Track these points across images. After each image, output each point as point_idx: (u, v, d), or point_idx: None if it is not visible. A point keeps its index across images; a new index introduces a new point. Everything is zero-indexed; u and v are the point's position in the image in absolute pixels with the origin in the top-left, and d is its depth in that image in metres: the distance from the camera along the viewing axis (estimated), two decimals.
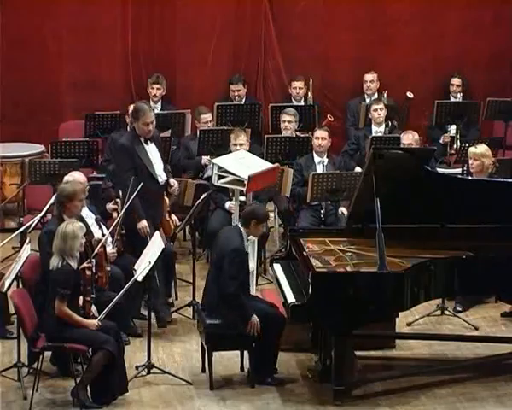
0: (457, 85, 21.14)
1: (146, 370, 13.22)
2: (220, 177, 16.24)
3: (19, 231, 15.06)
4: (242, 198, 16.43)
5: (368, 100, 20.42)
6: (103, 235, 14.43)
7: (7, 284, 13.19)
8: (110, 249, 14.50)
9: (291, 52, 21.73)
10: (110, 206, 15.78)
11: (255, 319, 13.04)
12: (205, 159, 19.07)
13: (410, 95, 20.66)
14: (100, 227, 14.67)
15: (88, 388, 12.40)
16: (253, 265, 14.55)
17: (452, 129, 19.61)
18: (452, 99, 20.30)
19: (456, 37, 23.20)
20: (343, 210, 16.67)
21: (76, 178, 15.23)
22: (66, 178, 15.34)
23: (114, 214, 15.46)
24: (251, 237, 13.92)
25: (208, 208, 17.15)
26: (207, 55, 21.96)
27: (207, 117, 19.88)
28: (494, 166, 16.43)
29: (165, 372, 13.29)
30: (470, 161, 16.54)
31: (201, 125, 19.62)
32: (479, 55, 23.10)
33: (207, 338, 13.14)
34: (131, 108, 18.13)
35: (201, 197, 16.07)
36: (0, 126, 19.57)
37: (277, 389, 13.12)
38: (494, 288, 14.18)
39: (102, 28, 23.28)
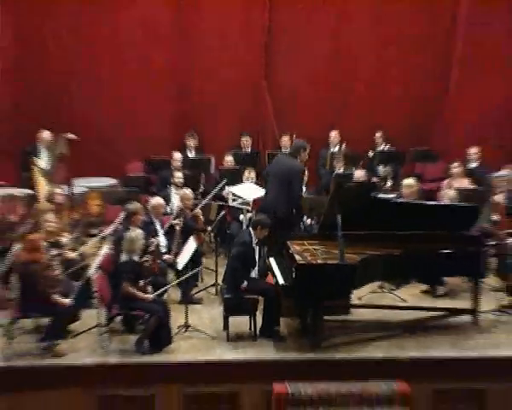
0: (380, 137, 20.15)
1: (184, 329, 13.32)
2: (234, 199, 16.61)
3: (100, 236, 14.84)
4: (250, 214, 16.46)
5: (332, 149, 19.70)
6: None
7: (91, 271, 13.23)
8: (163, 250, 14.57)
9: (281, 116, 20.44)
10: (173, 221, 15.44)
11: (244, 285, 13.40)
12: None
13: (370, 154, 19.94)
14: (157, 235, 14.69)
15: (146, 341, 12.69)
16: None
17: (383, 170, 19.34)
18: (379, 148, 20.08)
19: (394, 106, 21.38)
20: (308, 221, 16.41)
21: (155, 201, 15.43)
22: (152, 201, 15.49)
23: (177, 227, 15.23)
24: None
25: (226, 221, 16.73)
26: (225, 119, 20.89)
27: (229, 159, 19.15)
28: (417, 193, 16.35)
29: (197, 330, 13.40)
30: (403, 190, 16.45)
31: (225, 165, 19.09)
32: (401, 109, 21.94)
33: (225, 307, 13.40)
34: (176, 155, 18.55)
35: (220, 214, 16.03)
36: (88, 164, 19.01)
37: (272, 341, 13.22)
38: (415, 274, 14.74)
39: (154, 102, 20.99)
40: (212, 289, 15.19)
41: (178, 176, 17.37)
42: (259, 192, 16.53)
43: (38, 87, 20.32)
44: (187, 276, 14.08)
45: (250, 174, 17.97)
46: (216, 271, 15.21)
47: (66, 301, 12.61)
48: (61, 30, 21.00)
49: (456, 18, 21.33)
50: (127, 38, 20.90)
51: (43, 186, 16.95)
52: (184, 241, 14.46)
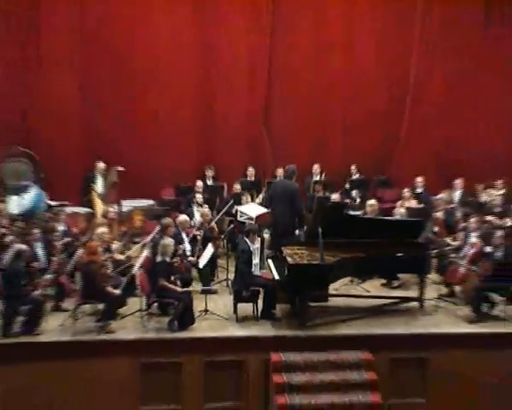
0: (355, 168, 19.56)
1: (204, 312, 13.43)
2: (241, 216, 16.31)
3: (141, 244, 14.92)
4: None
5: (314, 178, 19.16)
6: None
7: (135, 270, 13.36)
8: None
9: (276, 152, 19.90)
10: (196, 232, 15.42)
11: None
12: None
13: (347, 185, 19.21)
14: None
15: (175, 321, 12.79)
16: (257, 260, 14.13)
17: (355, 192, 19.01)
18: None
19: (361, 144, 20.53)
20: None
21: (182, 218, 15.37)
22: (180, 217, 15.49)
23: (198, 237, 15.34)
24: (256, 245, 14.12)
25: (234, 232, 16.13)
26: (234, 155, 19.95)
27: (237, 187, 18.28)
28: (378, 211, 16.35)
29: (213, 313, 13.51)
30: (367, 208, 16.41)
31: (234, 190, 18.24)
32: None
33: (234, 296, 13.52)
34: (198, 183, 18.26)
35: (230, 227, 16.10)
36: (133, 189, 18.44)
37: (270, 321, 13.31)
38: (376, 271, 14.87)
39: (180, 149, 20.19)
40: (225, 283, 15.21)
41: (199, 198, 17.31)
42: (260, 210, 16.51)
43: (97, 129, 19.63)
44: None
45: (247, 199, 17.73)
46: (227, 269, 15.24)
47: (116, 291, 12.89)
48: (116, 78, 19.99)
49: (408, 71, 20.90)
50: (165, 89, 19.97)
51: (99, 206, 17.03)
52: (204, 247, 14.64)
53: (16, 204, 16.41)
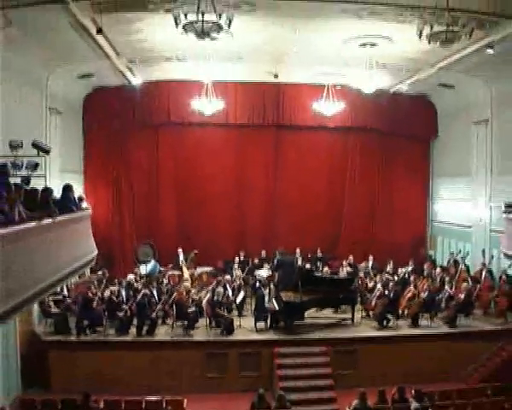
0: (320, 252, 18.28)
1: (239, 326, 13.74)
2: (258, 275, 16.04)
3: (207, 290, 14.65)
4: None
5: (297, 256, 17.85)
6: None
7: (203, 303, 13.79)
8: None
9: (278, 241, 18.48)
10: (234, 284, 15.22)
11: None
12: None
13: (318, 263, 17.79)
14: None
15: (224, 331, 13.43)
16: (267, 298, 14.32)
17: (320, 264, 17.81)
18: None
19: (323, 237, 19.16)
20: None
21: (227, 277, 15.16)
22: (226, 276, 15.21)
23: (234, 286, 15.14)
24: (267, 290, 14.55)
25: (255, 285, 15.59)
26: (255, 243, 18.68)
27: (256, 261, 17.67)
28: (329, 273, 16.42)
29: (244, 327, 13.84)
30: (324, 270, 16.45)
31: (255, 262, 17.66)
32: None
33: (255, 318, 13.96)
34: (236, 258, 17.56)
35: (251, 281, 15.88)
36: (201, 259, 17.58)
37: (274, 330, 13.84)
38: (329, 304, 14.86)
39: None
40: (250, 311, 14.89)
41: (236, 267, 16.95)
42: (268, 273, 16.43)
43: (182, 230, 18.96)
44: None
45: (264, 269, 16.82)
46: (251, 303, 15.10)
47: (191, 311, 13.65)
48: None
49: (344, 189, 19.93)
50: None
51: (185, 271, 16.53)
52: (238, 292, 14.80)
53: (144, 269, 16.64)
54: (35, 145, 10.87)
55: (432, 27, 9.18)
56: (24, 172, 10.11)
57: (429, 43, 9.46)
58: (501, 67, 14.10)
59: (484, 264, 15.50)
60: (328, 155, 20.00)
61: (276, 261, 17.26)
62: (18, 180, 9.54)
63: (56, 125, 15.21)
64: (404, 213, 19.95)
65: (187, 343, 13.42)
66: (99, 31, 11.20)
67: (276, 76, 16.06)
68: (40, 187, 9.60)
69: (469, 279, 15.21)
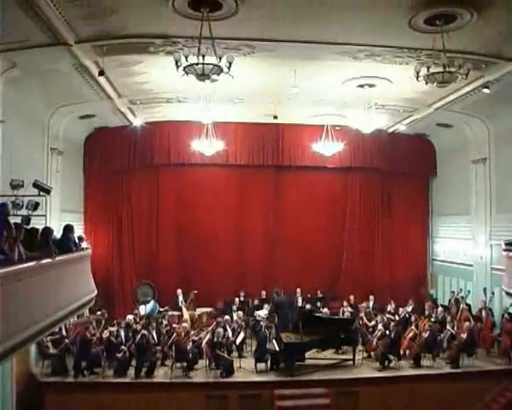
0: (320, 293, 18.23)
1: (239, 367, 13.77)
2: (259, 316, 15.76)
3: (207, 331, 14.43)
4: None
5: (297, 296, 17.85)
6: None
7: (203, 344, 13.67)
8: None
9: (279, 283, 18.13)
10: (233, 325, 15.07)
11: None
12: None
13: (318, 304, 17.60)
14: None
15: (224, 372, 13.39)
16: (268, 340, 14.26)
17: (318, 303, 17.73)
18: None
19: (321, 279, 18.92)
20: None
21: (226, 317, 15.12)
22: (225, 317, 15.15)
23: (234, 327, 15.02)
24: (268, 331, 14.50)
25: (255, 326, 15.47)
26: (254, 283, 18.60)
27: (256, 302, 17.71)
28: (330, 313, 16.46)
29: (244, 368, 13.82)
30: (324, 311, 16.38)
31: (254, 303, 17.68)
32: None
33: (255, 359, 14.00)
34: (236, 299, 17.58)
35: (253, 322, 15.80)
36: (206, 300, 17.61)
37: (274, 372, 13.79)
38: (330, 345, 14.84)
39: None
40: (250, 352, 14.91)
41: (235, 308, 16.76)
42: (267, 313, 16.24)
43: (182, 274, 18.78)
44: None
45: (263, 311, 16.47)
46: (251, 344, 15.13)
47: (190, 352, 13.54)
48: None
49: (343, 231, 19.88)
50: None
51: (185, 312, 16.46)
52: (238, 333, 14.71)
53: (143, 309, 16.39)
54: (36, 185, 11.07)
55: (429, 68, 9.32)
56: (24, 212, 10.30)
57: (426, 83, 9.56)
58: (498, 105, 14.33)
59: (484, 302, 15.43)
60: (328, 194, 20.06)
61: (274, 302, 17.17)
62: (18, 220, 9.61)
63: (57, 165, 15.31)
64: (405, 252, 20.02)
65: (186, 385, 13.31)
66: (101, 73, 11.39)
67: (275, 117, 16.17)
68: (40, 227, 9.64)
69: (471, 318, 15.10)
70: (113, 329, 14.33)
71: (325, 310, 16.75)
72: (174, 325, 15.12)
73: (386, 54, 11.28)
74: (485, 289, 15.70)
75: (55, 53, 10.56)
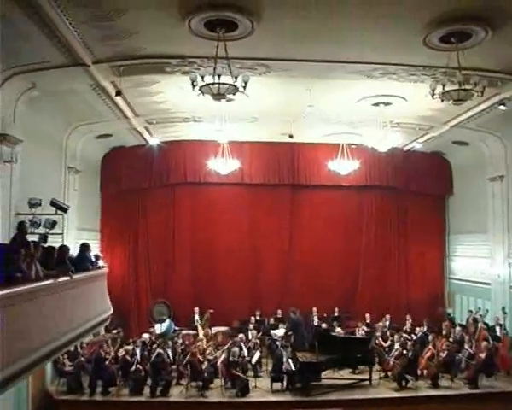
0: (337, 311, 18.18)
1: (255, 387, 13.69)
2: (275, 335, 16.05)
3: (223, 350, 14.55)
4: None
5: (314, 315, 17.86)
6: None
7: (218, 363, 13.76)
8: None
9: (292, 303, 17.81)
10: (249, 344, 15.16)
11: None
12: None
13: (334, 323, 17.39)
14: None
15: (239, 392, 13.31)
16: (285, 359, 14.18)
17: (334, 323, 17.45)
18: None
19: (338, 296, 18.94)
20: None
21: (241, 336, 15.18)
22: (240, 336, 15.17)
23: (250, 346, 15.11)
24: (284, 351, 14.51)
25: (271, 344, 15.83)
26: (270, 302, 18.62)
27: (271, 320, 17.69)
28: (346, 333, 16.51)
29: (260, 388, 13.77)
30: (338, 330, 16.50)
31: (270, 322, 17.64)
32: None
33: (271, 379, 13.94)
34: (252, 318, 17.53)
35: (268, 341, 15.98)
36: (217, 320, 17.13)
37: (290, 392, 13.70)
38: (346, 364, 14.70)
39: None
40: (266, 372, 14.92)
41: (251, 327, 16.78)
42: (283, 332, 16.32)
43: (196, 294, 18.78)
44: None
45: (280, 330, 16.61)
46: (267, 363, 15.11)
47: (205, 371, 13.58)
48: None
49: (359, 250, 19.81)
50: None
51: (200, 331, 16.48)
52: (254, 352, 14.77)
53: (159, 328, 16.29)
54: (53, 204, 11.24)
55: (444, 86, 9.30)
56: (42, 230, 10.50)
57: (442, 101, 9.54)
58: None
59: (498, 319, 15.36)
60: (344, 213, 20.01)
61: (290, 321, 17.05)
62: (36, 238, 9.82)
63: (75, 184, 15.46)
64: (421, 271, 19.94)
65: (201, 404, 13.25)
66: (118, 93, 11.49)
67: (290, 136, 16.19)
68: (57, 245, 9.74)
69: (489, 338, 14.90)
70: (130, 348, 14.31)
71: (338, 330, 16.73)
72: (190, 344, 15.05)
73: (401, 72, 11.29)
74: (503, 308, 15.51)
75: (73, 73, 10.69)
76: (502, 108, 12.55)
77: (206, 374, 13.67)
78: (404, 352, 14.41)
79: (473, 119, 14.39)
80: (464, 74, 9.34)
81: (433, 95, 9.36)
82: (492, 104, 12.84)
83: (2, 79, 10.17)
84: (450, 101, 9.36)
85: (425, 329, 16.49)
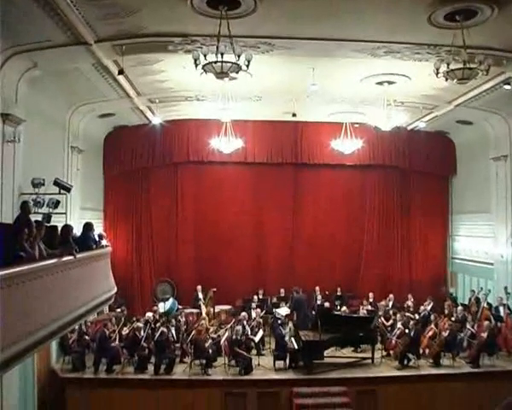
0: (339, 290, 18.24)
1: (258, 365, 13.76)
2: (277, 314, 15.75)
3: (225, 328, 14.66)
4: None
5: (317, 294, 17.93)
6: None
7: (222, 341, 13.76)
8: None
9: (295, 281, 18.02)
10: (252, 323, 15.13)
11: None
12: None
13: (336, 302, 17.67)
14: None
15: (242, 370, 13.33)
16: (287, 338, 14.23)
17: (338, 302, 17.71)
18: None
19: (341, 276, 19.02)
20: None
21: (243, 314, 15.23)
22: (243, 314, 15.31)
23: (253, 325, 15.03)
24: (286, 330, 14.54)
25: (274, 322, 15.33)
26: (273, 281, 18.69)
27: (274, 299, 17.61)
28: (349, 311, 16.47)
29: (263, 366, 13.80)
30: (343, 309, 16.51)
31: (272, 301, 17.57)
32: None
33: (274, 357, 13.96)
34: (255, 297, 17.42)
35: (272, 319, 15.76)
36: (219, 299, 17.19)
37: (293, 370, 13.75)
38: (348, 343, 14.78)
39: None
40: (269, 350, 14.96)
41: (254, 306, 16.73)
42: (287, 311, 16.24)
43: (200, 271, 18.87)
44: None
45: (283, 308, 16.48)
46: (270, 342, 15.09)
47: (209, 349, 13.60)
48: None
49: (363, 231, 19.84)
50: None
51: (204, 309, 16.72)
52: (258, 330, 14.83)
53: (162, 307, 16.38)
54: (57, 183, 11.24)
55: (448, 65, 9.22)
56: (45, 210, 10.50)
57: (446, 80, 9.47)
58: None
59: (501, 299, 15.34)
60: (347, 192, 20.00)
61: (293, 300, 17.11)
62: (39, 217, 9.82)
63: (78, 164, 15.42)
64: (424, 251, 19.97)
65: (205, 382, 13.31)
66: (120, 72, 11.45)
67: (294, 115, 16.10)
68: (61, 224, 9.77)
69: (492, 318, 14.93)
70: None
71: (343, 309, 16.73)
72: (193, 323, 15.15)
73: (405, 50, 11.17)
74: (505, 288, 15.48)
75: (75, 52, 10.63)
76: (507, 87, 12.41)
77: (209, 352, 13.70)
78: (406, 331, 14.42)
79: (477, 98, 14.23)
80: (469, 53, 9.23)
81: (437, 74, 9.27)
82: (497, 83, 12.68)
83: (3, 59, 10.07)
84: (455, 80, 9.27)
85: (430, 307, 16.50)
